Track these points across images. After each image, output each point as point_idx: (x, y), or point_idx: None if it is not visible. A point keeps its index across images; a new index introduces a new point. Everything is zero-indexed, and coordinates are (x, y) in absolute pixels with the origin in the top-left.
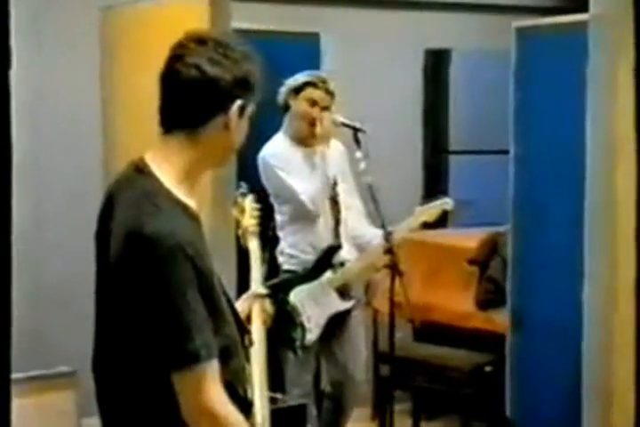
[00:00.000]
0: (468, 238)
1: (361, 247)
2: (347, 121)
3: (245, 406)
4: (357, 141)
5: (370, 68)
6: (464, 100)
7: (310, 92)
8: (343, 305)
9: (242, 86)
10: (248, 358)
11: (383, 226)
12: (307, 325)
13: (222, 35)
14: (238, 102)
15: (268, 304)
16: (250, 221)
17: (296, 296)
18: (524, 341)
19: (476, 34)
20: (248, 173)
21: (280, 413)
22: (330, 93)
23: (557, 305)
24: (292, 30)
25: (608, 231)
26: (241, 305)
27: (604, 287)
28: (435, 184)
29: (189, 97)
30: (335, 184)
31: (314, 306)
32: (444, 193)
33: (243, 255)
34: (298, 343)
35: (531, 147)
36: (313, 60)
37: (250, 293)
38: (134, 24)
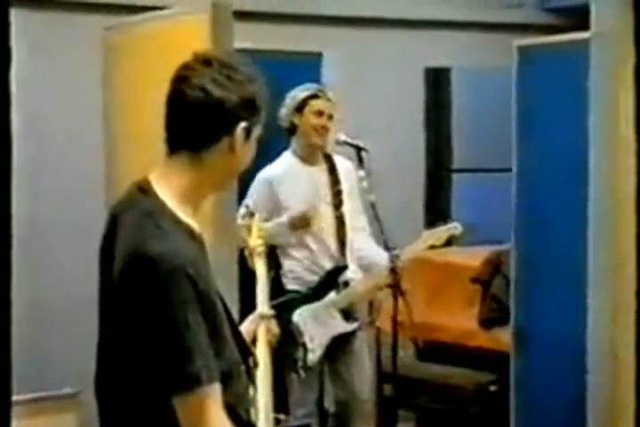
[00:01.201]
0: (471, 257)
1: (366, 268)
2: (349, 140)
3: None
4: (360, 160)
5: (372, 87)
6: (465, 118)
7: (314, 105)
8: (347, 326)
9: (247, 108)
10: (253, 380)
11: (386, 245)
12: (309, 345)
13: (228, 56)
14: (243, 124)
15: (273, 325)
16: (257, 241)
17: (299, 316)
18: (527, 359)
19: (477, 52)
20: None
21: None
22: (330, 101)
23: (561, 323)
24: (294, 50)
25: (612, 249)
26: (247, 327)
27: (610, 306)
28: (437, 202)
29: (194, 118)
30: (341, 204)
31: (317, 326)
32: (447, 211)
33: (245, 275)
34: (300, 364)
35: (533, 164)
36: (315, 80)
37: (256, 313)
38: (137, 43)
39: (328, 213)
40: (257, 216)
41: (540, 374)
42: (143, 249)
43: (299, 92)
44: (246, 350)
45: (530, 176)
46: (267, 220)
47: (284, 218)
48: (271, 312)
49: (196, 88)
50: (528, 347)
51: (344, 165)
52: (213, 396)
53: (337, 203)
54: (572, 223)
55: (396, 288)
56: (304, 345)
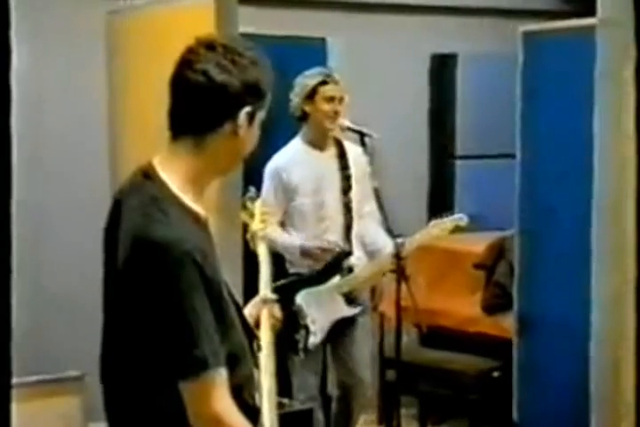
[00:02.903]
0: (475, 243)
1: (371, 254)
2: (353, 126)
3: (253, 413)
4: (364, 146)
5: (376, 73)
6: (471, 104)
7: (324, 91)
8: (349, 311)
9: (251, 93)
10: (257, 364)
11: (390, 231)
12: (311, 328)
13: (232, 40)
14: (247, 109)
15: (276, 309)
16: (259, 225)
17: (302, 299)
18: (530, 345)
19: (483, 38)
20: (257, 177)
21: (287, 418)
22: (339, 84)
23: (564, 309)
24: (298, 35)
25: (616, 235)
26: (250, 310)
27: (612, 291)
28: (441, 189)
29: (197, 103)
30: (349, 189)
31: (319, 310)
32: (451, 198)
33: (249, 260)
34: (301, 345)
35: (537, 151)
36: (319, 65)
37: (259, 298)
38: (140, 28)
39: (335, 199)
40: (259, 200)
41: (542, 360)
42: (148, 235)
43: (308, 80)
44: (251, 333)
45: (534, 163)
46: (279, 209)
47: (298, 242)
48: (274, 296)
49: (199, 73)
50: (531, 333)
51: (354, 150)
52: (220, 380)
53: (345, 188)
54: (576, 209)
55: (399, 274)
56: (306, 327)
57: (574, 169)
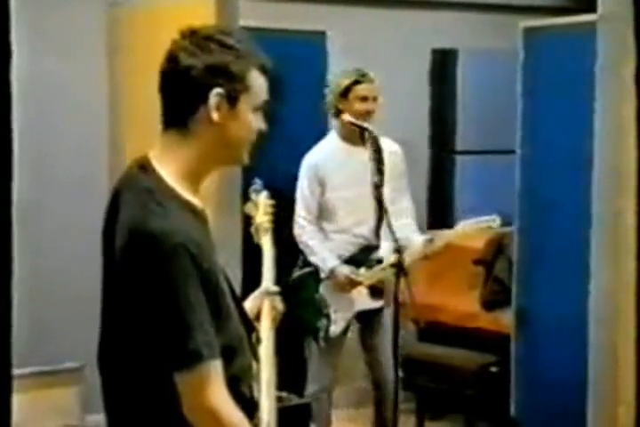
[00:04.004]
0: (474, 238)
1: (398, 251)
2: (354, 120)
3: (250, 405)
4: (364, 141)
5: (376, 68)
6: (471, 99)
7: (358, 90)
8: (371, 303)
9: (217, 75)
10: (256, 356)
11: (389, 226)
12: (332, 316)
13: (217, 29)
14: (217, 90)
15: (278, 302)
16: (263, 217)
17: (326, 288)
18: (528, 341)
19: (484, 33)
20: (263, 169)
21: (284, 412)
22: (373, 82)
23: (562, 305)
24: (298, 29)
25: (614, 232)
26: (251, 302)
27: (610, 287)
28: (441, 184)
29: (169, 90)
30: (381, 184)
31: (342, 300)
32: (451, 193)
33: (250, 253)
34: (322, 333)
35: (537, 147)
36: (319, 59)
37: (261, 290)
38: (141, 21)
39: (367, 193)
40: (264, 192)
41: (540, 355)
42: (145, 226)
43: (342, 79)
44: (249, 326)
45: (534, 158)
46: (316, 204)
47: (330, 263)
48: (276, 289)
49: (170, 60)
50: (529, 329)
51: (389, 146)
52: (214, 372)
53: (377, 183)
54: (576, 206)
55: (399, 269)
56: (327, 316)
57: (574, 165)
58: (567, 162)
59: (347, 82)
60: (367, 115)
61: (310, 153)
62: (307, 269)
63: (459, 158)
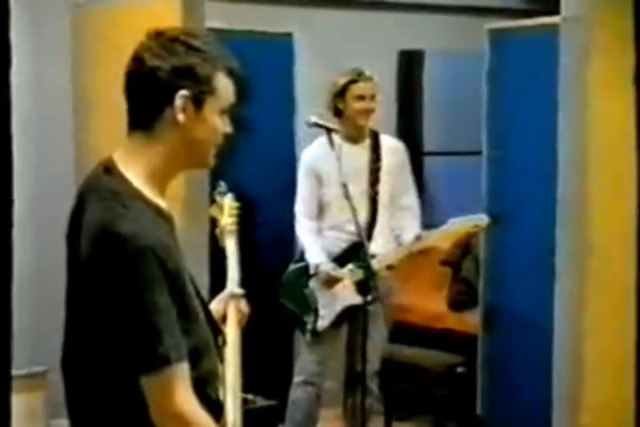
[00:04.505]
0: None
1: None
2: (320, 121)
3: (216, 408)
4: (331, 142)
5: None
6: (438, 101)
7: (355, 89)
8: (359, 299)
9: (183, 76)
10: (222, 359)
11: (357, 226)
12: (320, 311)
13: (184, 31)
14: (182, 92)
15: (243, 304)
16: (228, 220)
17: (315, 282)
18: (495, 341)
19: (450, 35)
20: (231, 172)
21: (251, 414)
22: (371, 81)
23: (529, 305)
24: (265, 30)
25: (579, 231)
26: (216, 305)
27: (575, 286)
28: None
29: (133, 91)
30: (377, 181)
31: (330, 295)
32: (419, 193)
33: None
34: (309, 327)
35: (504, 148)
36: (286, 61)
37: (226, 292)
38: (107, 23)
39: (362, 191)
40: (229, 195)
41: (507, 355)
42: (111, 229)
43: (339, 78)
44: (216, 328)
45: (500, 159)
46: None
47: (319, 259)
48: (241, 291)
49: (136, 61)
50: (496, 329)
51: (390, 143)
52: (181, 375)
53: (372, 180)
54: (542, 207)
55: (367, 270)
56: (316, 310)
57: (540, 166)
58: (533, 162)
59: (343, 81)
60: (366, 113)
61: (308, 149)
62: (300, 265)
63: (426, 159)
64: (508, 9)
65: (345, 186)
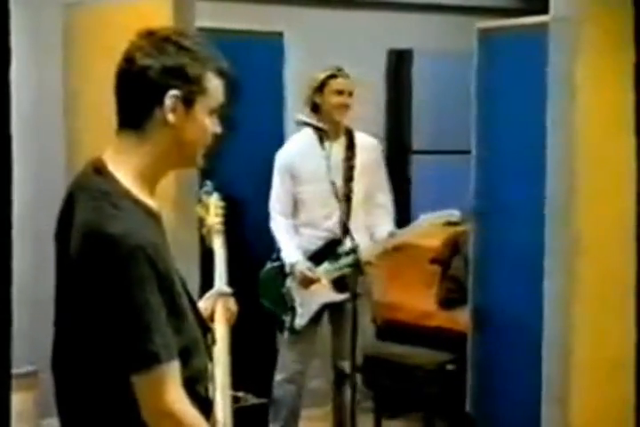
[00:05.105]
0: (431, 238)
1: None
2: (309, 120)
3: (206, 406)
4: (320, 140)
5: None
6: (426, 100)
7: (334, 84)
8: (336, 297)
9: (174, 76)
10: (210, 357)
11: (345, 225)
12: (298, 310)
13: (175, 31)
14: (172, 92)
15: (232, 303)
16: (214, 219)
17: (292, 281)
18: (485, 339)
19: (439, 34)
20: (220, 172)
21: (242, 412)
22: (349, 78)
23: (518, 304)
24: (256, 29)
25: (567, 230)
26: (204, 304)
27: (564, 285)
28: (397, 183)
29: (124, 91)
30: (351, 179)
31: (307, 293)
32: (407, 192)
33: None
34: (287, 325)
35: (492, 147)
36: (276, 60)
37: (213, 291)
38: (98, 22)
39: (337, 188)
40: (215, 194)
41: (496, 353)
42: (100, 229)
43: (318, 73)
44: (204, 326)
45: (489, 159)
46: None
47: (294, 258)
48: (230, 290)
49: (127, 60)
50: (485, 327)
51: (365, 141)
52: (172, 374)
53: (347, 178)
54: (531, 206)
55: (357, 268)
56: (293, 309)
57: (529, 165)
58: (522, 162)
59: (323, 76)
60: (343, 108)
61: (285, 146)
62: (276, 264)
63: (414, 158)
64: (498, 8)
65: (334, 183)
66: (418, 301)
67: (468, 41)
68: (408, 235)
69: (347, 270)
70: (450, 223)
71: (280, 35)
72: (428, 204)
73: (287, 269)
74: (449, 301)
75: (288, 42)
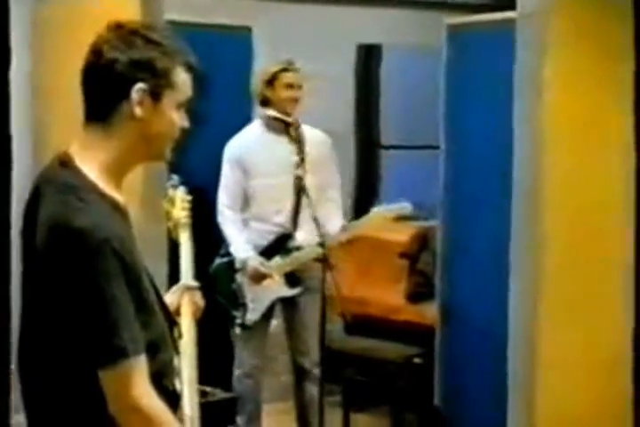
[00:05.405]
0: (400, 232)
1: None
2: (278, 115)
3: (173, 400)
4: (289, 135)
5: (303, 63)
6: (395, 95)
7: (285, 78)
8: (288, 291)
9: (141, 69)
10: (177, 351)
11: (315, 219)
12: (250, 305)
13: (143, 24)
14: (139, 86)
15: (198, 297)
16: (181, 213)
17: (242, 277)
18: (452, 333)
19: (408, 30)
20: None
21: (209, 406)
22: (299, 72)
23: (485, 298)
24: (224, 24)
25: (534, 227)
26: (171, 297)
27: (529, 281)
28: (367, 178)
29: (90, 84)
30: (302, 174)
31: (258, 288)
32: (376, 187)
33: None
34: (239, 321)
35: (460, 142)
36: (245, 54)
37: (179, 285)
38: (68, 16)
39: (288, 182)
40: (182, 188)
41: (464, 347)
42: (67, 223)
43: (269, 67)
44: (171, 320)
45: (458, 154)
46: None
47: (245, 254)
48: (196, 284)
49: (94, 53)
50: (453, 321)
51: (315, 135)
52: (139, 368)
53: (298, 172)
54: (498, 202)
55: (324, 262)
56: (244, 305)
57: (496, 160)
58: (491, 157)
59: (274, 69)
60: (294, 102)
61: (233, 140)
62: (226, 259)
63: (383, 153)
64: (468, 4)
65: (285, 178)
66: (386, 295)
67: (438, 36)
68: (360, 228)
69: (300, 265)
70: (405, 217)
71: (249, 29)
72: (398, 198)
73: (238, 264)
74: (417, 295)
75: (257, 36)
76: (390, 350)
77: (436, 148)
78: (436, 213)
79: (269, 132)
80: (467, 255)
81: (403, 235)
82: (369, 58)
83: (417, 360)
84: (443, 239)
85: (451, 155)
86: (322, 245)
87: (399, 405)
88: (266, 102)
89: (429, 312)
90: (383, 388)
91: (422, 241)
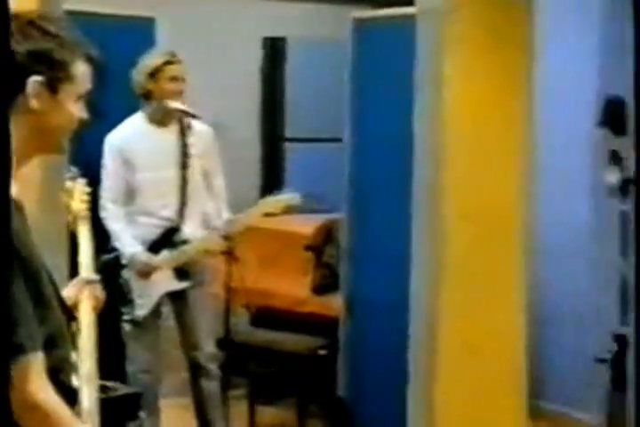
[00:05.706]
0: (305, 225)
1: (209, 229)
2: (182, 107)
3: (71, 395)
4: (171, 122)
5: (207, 56)
6: (300, 88)
7: (169, 70)
8: (177, 285)
9: (38, 61)
10: (75, 346)
11: (203, 213)
12: (138, 301)
13: (40, 15)
14: (35, 78)
15: (98, 290)
16: (80, 205)
17: (129, 273)
18: (355, 325)
19: (314, 23)
20: (83, 157)
21: (112, 402)
22: (181, 64)
23: (387, 291)
24: (126, 14)
25: (433, 221)
26: (69, 291)
27: (429, 274)
28: (272, 171)
29: None
30: (187, 165)
31: (146, 283)
32: (282, 180)
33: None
34: (128, 317)
35: (363, 136)
36: (147, 46)
37: (79, 278)
38: None
39: (173, 175)
40: (80, 180)
41: (366, 338)
42: None
43: (152, 59)
44: (69, 315)
45: (360, 147)
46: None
47: (132, 249)
48: (96, 277)
49: None
50: (356, 313)
51: (199, 127)
52: (36, 365)
53: (183, 164)
54: (400, 195)
55: (229, 255)
56: (131, 301)
57: (399, 154)
58: (392, 151)
59: (157, 62)
60: (179, 95)
61: (113, 132)
62: (112, 255)
63: (288, 146)
64: None
65: (169, 171)
66: (292, 287)
67: (343, 30)
68: (247, 219)
69: (189, 258)
70: (310, 210)
71: (151, 20)
72: (303, 191)
73: (125, 260)
74: (322, 287)
75: (160, 28)
76: (295, 341)
77: (340, 140)
78: (341, 206)
79: (152, 125)
80: (370, 247)
81: (307, 227)
82: (274, 51)
83: (322, 352)
84: (347, 232)
85: (354, 148)
86: (226, 237)
87: (304, 396)
88: (148, 95)
89: (334, 304)
90: (288, 380)
91: (327, 233)
